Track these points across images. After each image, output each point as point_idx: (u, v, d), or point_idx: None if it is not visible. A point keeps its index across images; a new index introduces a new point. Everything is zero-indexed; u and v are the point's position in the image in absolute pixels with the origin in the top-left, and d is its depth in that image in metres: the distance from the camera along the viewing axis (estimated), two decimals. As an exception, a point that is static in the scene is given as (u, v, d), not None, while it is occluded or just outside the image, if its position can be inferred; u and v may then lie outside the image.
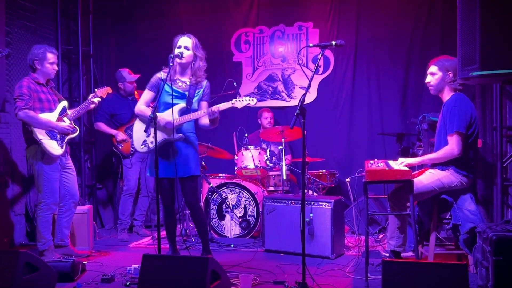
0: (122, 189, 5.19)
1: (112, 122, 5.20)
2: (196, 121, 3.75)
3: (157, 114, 3.55)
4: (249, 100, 3.52)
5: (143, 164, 5.17)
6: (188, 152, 3.68)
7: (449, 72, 3.49)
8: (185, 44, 3.62)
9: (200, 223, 3.81)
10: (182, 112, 3.62)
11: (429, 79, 3.59)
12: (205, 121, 3.69)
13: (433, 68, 3.56)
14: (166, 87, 3.65)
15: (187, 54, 3.61)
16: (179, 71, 3.70)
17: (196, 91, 3.68)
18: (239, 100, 3.53)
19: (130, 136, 5.06)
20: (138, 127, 3.73)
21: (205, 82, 3.74)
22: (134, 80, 5.19)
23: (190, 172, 3.68)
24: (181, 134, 3.62)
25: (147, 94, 3.72)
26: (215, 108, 3.52)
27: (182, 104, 3.63)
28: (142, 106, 3.71)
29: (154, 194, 5.45)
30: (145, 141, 3.67)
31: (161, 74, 3.71)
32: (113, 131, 5.10)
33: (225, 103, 3.54)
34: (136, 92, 5.25)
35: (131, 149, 5.04)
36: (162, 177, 3.67)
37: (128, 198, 5.13)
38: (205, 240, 3.84)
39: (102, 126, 5.13)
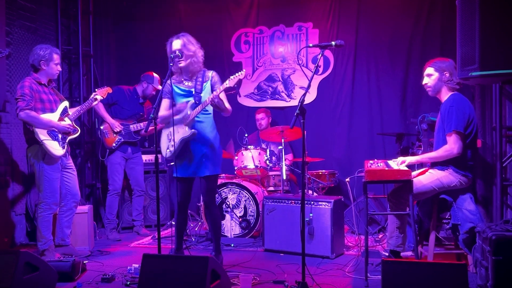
0: (108, 188, 5.18)
1: (110, 111, 5.16)
2: (217, 118, 3.76)
3: (175, 117, 3.63)
4: (239, 74, 3.48)
5: (129, 163, 5.17)
6: (205, 151, 3.67)
7: (445, 72, 3.50)
8: (174, 47, 3.64)
9: (214, 222, 3.82)
10: (193, 108, 3.62)
11: (426, 80, 3.60)
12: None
13: (429, 70, 3.57)
14: (176, 89, 3.71)
15: (181, 57, 3.62)
16: (183, 72, 3.73)
17: (203, 85, 3.69)
18: (230, 79, 3.50)
19: (120, 133, 5.07)
20: (165, 135, 3.76)
21: (210, 73, 3.74)
22: (155, 90, 5.23)
23: (206, 172, 3.68)
24: (193, 130, 3.61)
25: (164, 102, 3.76)
26: (211, 96, 3.51)
27: (191, 101, 3.64)
28: (162, 112, 3.75)
29: (149, 192, 5.47)
30: (167, 147, 3.71)
31: (170, 80, 3.75)
32: (110, 119, 5.06)
33: (220, 86, 3.51)
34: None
35: (114, 144, 5.05)
36: (180, 176, 3.70)
37: (114, 198, 5.14)
38: (217, 240, 3.85)
39: (101, 108, 5.05)
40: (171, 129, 3.63)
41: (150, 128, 3.40)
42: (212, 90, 3.69)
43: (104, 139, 5.07)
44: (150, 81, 5.21)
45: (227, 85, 3.46)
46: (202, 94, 3.65)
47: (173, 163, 3.78)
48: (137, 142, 5.21)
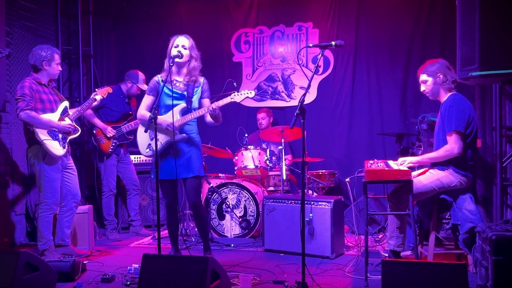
0: (102, 190, 5.16)
1: (98, 114, 5.11)
2: (200, 121, 3.77)
3: (159, 116, 3.59)
4: (247, 93, 3.51)
5: (121, 164, 5.16)
6: (191, 153, 3.70)
7: (438, 74, 3.52)
8: (182, 43, 3.65)
9: (202, 223, 3.83)
10: (183, 112, 3.64)
11: (423, 88, 3.64)
12: (209, 118, 3.70)
13: (423, 77, 3.60)
14: (166, 89, 3.67)
15: (185, 53, 3.64)
16: (175, 72, 3.71)
17: (195, 90, 3.71)
18: (238, 94, 3.53)
19: (114, 137, 5.06)
20: (141, 131, 3.75)
21: (202, 79, 3.76)
22: (140, 90, 5.19)
23: (194, 172, 3.69)
24: (183, 134, 3.63)
25: (147, 99, 3.74)
26: (214, 105, 3.54)
27: (182, 104, 3.65)
28: (143, 110, 3.73)
29: (149, 192, 5.47)
30: (149, 144, 3.70)
31: (158, 77, 3.74)
32: (101, 124, 5.02)
33: (224, 99, 3.56)
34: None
35: (110, 149, 5.03)
36: (166, 178, 3.69)
37: (110, 198, 5.13)
38: (206, 239, 3.86)
39: (88, 112, 4.92)
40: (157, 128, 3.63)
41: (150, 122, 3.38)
42: (202, 96, 3.73)
43: (100, 145, 5.04)
44: (134, 80, 5.15)
45: (233, 100, 3.49)
46: (193, 99, 3.68)
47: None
48: (127, 144, 5.21)
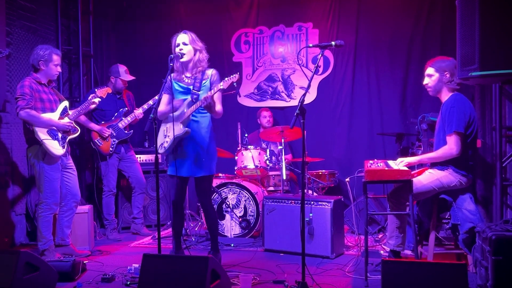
0: (103, 189, 5.15)
1: (93, 116, 5.11)
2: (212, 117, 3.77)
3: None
4: (232, 77, 3.49)
5: (124, 162, 5.16)
6: (200, 151, 3.66)
7: (446, 73, 3.50)
8: (182, 40, 3.64)
9: (212, 223, 3.84)
10: (189, 106, 3.62)
11: (426, 81, 3.60)
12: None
13: (430, 70, 3.57)
14: (176, 86, 3.69)
15: (187, 50, 3.63)
16: (184, 69, 3.71)
17: (203, 82, 3.68)
18: (224, 80, 3.50)
19: (112, 136, 5.05)
20: (162, 130, 3.76)
21: (210, 71, 3.72)
22: (127, 80, 5.17)
23: (201, 172, 3.68)
24: (186, 129, 3.61)
25: (163, 97, 3.72)
26: (205, 96, 3.49)
27: (188, 99, 3.64)
28: (161, 107, 3.72)
29: (149, 192, 5.47)
30: (162, 143, 3.70)
31: (170, 76, 3.74)
32: (95, 127, 5.01)
33: (214, 88, 3.52)
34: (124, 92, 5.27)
35: (111, 149, 5.02)
36: (175, 174, 3.68)
37: (110, 198, 5.13)
38: (215, 239, 3.85)
39: (82, 118, 4.90)
40: (168, 125, 3.65)
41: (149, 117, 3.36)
42: (211, 88, 3.67)
43: (99, 148, 5.02)
44: (116, 74, 5.13)
45: (221, 87, 3.46)
46: (200, 92, 3.64)
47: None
48: (128, 139, 5.20)
